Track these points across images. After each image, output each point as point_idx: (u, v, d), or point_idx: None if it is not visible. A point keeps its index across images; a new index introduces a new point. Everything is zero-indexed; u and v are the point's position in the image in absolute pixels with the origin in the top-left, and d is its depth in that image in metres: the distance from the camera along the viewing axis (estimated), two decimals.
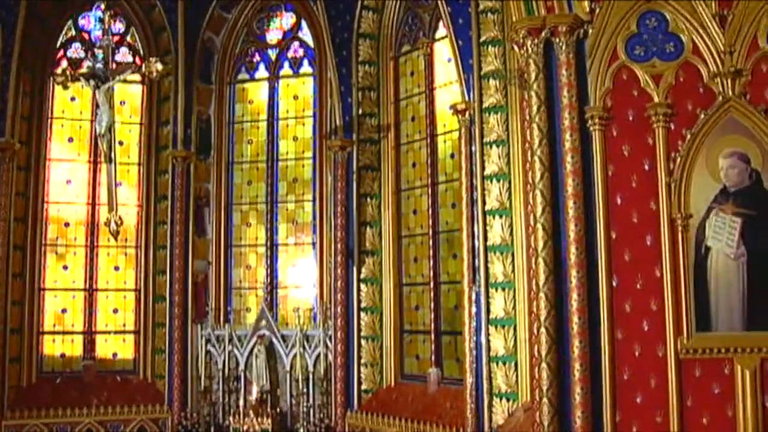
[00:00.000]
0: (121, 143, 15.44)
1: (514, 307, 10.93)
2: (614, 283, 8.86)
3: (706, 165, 8.88)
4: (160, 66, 10.72)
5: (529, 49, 9.32)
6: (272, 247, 15.38)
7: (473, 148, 11.58)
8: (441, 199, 13.41)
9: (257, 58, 15.99)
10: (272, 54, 15.91)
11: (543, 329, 8.85)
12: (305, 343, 14.17)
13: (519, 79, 10.11)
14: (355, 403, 13.70)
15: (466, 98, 11.77)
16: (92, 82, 10.72)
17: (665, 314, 8.71)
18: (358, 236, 13.93)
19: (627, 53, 9.22)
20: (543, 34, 9.26)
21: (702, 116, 8.91)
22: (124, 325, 15.32)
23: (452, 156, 13.15)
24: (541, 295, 8.90)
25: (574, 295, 8.77)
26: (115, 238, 11.35)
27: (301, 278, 15.20)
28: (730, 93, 8.89)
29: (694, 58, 9.09)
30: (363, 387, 13.74)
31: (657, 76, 9.12)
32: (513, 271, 10.99)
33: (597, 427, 8.72)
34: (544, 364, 8.81)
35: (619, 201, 8.96)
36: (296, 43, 15.78)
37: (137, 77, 14.75)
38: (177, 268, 14.88)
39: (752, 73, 8.95)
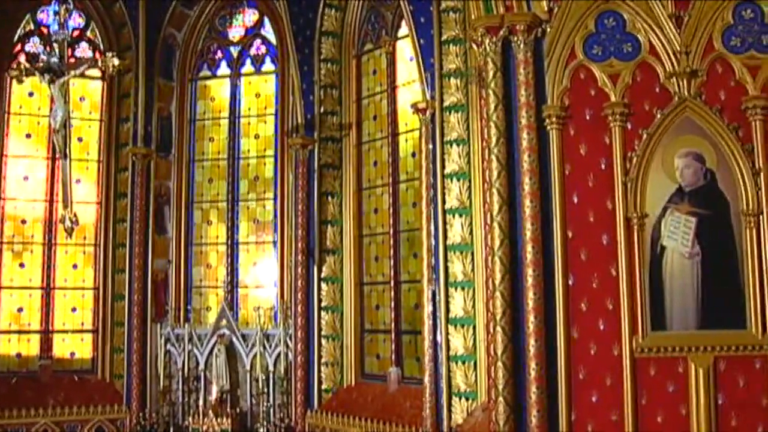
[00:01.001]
0: (80, 140, 15.26)
1: (473, 307, 10.92)
2: (570, 282, 8.87)
3: (662, 165, 8.94)
4: (116, 61, 10.55)
5: (488, 48, 9.31)
6: (233, 245, 15.23)
7: (434, 147, 11.56)
8: (402, 198, 13.37)
9: (219, 55, 15.83)
10: (234, 51, 15.76)
11: (499, 328, 8.85)
12: (266, 342, 14.05)
13: (477, 78, 10.10)
14: (315, 402, 13.61)
15: (427, 97, 11.74)
16: (47, 77, 10.51)
17: (621, 313, 8.75)
18: (319, 235, 13.85)
19: (585, 52, 9.25)
20: (501, 32, 9.26)
21: (658, 116, 8.97)
22: (82, 324, 15.07)
23: (413, 155, 13.12)
24: (497, 293, 8.89)
25: (530, 294, 8.76)
26: (70, 235, 11.13)
27: (262, 277, 15.08)
28: (686, 93, 8.97)
29: (651, 58, 9.14)
30: (323, 386, 13.65)
31: (614, 76, 9.16)
32: (473, 270, 10.98)
33: (552, 425, 8.72)
34: (500, 363, 8.81)
35: (575, 200, 8.97)
36: (258, 41, 15.64)
37: (97, 73, 14.59)
38: (136, 266, 14.66)
39: (708, 73, 9.04)
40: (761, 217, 8.71)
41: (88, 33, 15.65)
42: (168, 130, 15.47)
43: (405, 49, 13.55)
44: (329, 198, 13.98)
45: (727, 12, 9.13)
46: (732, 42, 9.10)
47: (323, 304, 13.78)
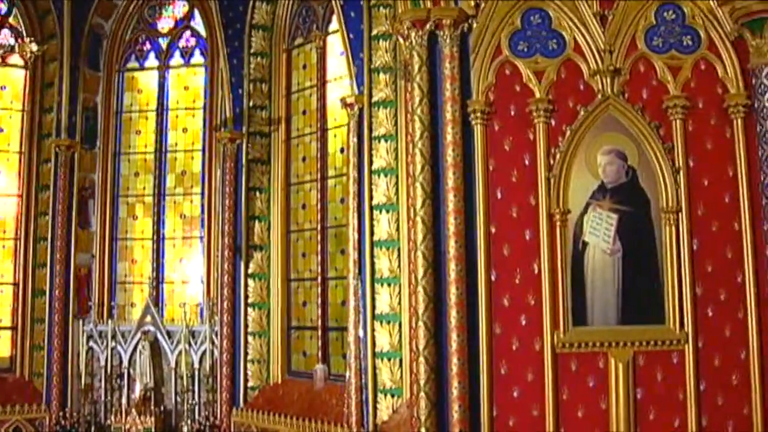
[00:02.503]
0: (1, 130, 14.84)
1: (399, 303, 10.83)
2: (493, 278, 8.88)
3: (585, 161, 9.01)
4: (35, 47, 10.28)
5: (414, 41, 9.28)
6: (159, 240, 14.94)
7: (361, 143, 11.48)
8: (330, 193, 13.25)
9: (148, 46, 15.53)
10: (163, 43, 15.48)
11: (421, 323, 8.82)
12: (191, 339, 13.80)
13: (403, 72, 10.05)
14: (241, 400, 13.40)
15: (356, 92, 11.67)
16: None
17: (543, 309, 8.80)
18: (247, 231, 13.65)
19: (510, 49, 9.28)
20: (427, 26, 9.23)
21: (582, 113, 9.05)
22: (1, 321, 14.60)
23: (342, 151, 13.01)
24: (420, 288, 8.87)
25: (453, 289, 8.73)
26: None
27: (189, 273, 14.83)
28: (609, 91, 9.07)
29: (576, 56, 9.22)
30: (249, 384, 13.46)
31: (539, 72, 9.20)
32: (399, 266, 10.90)
33: (474, 421, 8.71)
34: (422, 358, 8.77)
35: (499, 195, 8.99)
36: (188, 33, 15.38)
37: (20, 61, 14.19)
38: (58, 261, 14.26)
39: (630, 72, 9.16)
40: (680, 214, 8.85)
41: (11, 19, 15.18)
42: (93, 121, 15.10)
43: (335, 44, 13.43)
44: (257, 193, 13.79)
45: (650, 12, 9.28)
46: (654, 42, 9.24)
47: (250, 301, 13.58)
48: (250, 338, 13.53)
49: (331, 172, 13.32)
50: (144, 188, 15.16)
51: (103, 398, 14.01)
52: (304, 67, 14.08)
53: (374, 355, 10.94)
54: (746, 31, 8.99)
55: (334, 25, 13.44)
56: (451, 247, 8.79)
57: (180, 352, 13.73)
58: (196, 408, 13.61)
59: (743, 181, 8.88)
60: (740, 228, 8.86)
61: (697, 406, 8.64)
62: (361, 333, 11.07)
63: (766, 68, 8.84)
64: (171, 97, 15.32)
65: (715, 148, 9.02)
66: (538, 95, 9.09)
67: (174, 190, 15.06)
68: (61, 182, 14.46)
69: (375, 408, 10.97)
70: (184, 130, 15.19)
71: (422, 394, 8.71)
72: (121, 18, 15.44)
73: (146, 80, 15.50)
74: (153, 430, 13.31)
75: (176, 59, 15.42)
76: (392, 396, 10.87)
